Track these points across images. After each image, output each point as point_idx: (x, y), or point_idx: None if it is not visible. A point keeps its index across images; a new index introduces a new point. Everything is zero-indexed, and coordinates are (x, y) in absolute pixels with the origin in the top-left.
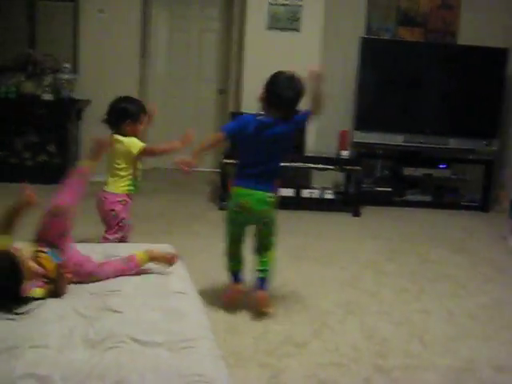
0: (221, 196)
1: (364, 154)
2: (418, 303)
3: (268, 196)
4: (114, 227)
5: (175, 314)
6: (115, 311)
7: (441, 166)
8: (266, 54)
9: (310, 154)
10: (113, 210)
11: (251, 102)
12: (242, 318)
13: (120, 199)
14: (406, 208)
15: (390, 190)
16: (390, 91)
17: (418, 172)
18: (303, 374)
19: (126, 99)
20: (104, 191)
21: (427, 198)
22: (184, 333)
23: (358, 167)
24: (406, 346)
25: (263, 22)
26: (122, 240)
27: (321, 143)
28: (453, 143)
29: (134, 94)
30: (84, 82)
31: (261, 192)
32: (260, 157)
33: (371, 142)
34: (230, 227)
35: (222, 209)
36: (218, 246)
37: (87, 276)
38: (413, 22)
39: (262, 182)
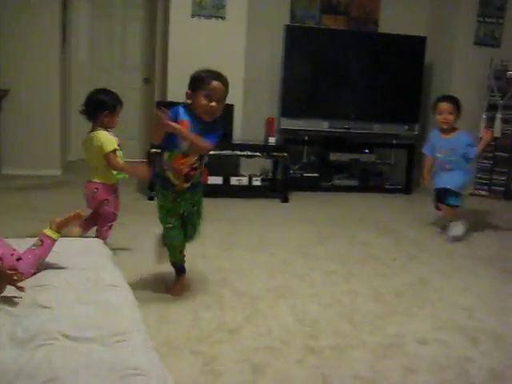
0: (149, 186)
1: (291, 140)
2: (347, 284)
3: None
4: (110, 215)
5: (107, 307)
6: (45, 307)
7: (366, 151)
8: (192, 42)
9: (237, 142)
10: (106, 200)
11: (177, 91)
12: (174, 308)
13: (111, 188)
14: (333, 193)
15: (317, 175)
16: (315, 78)
17: (345, 157)
18: (236, 359)
19: (103, 91)
20: (93, 182)
21: (353, 183)
22: (116, 326)
23: (285, 154)
24: (336, 326)
25: (188, 9)
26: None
27: (248, 131)
28: (377, 128)
29: (56, 83)
30: (1, 71)
31: None
32: None
33: (298, 128)
34: None
35: (150, 199)
36: (147, 237)
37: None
38: (336, 10)
39: None
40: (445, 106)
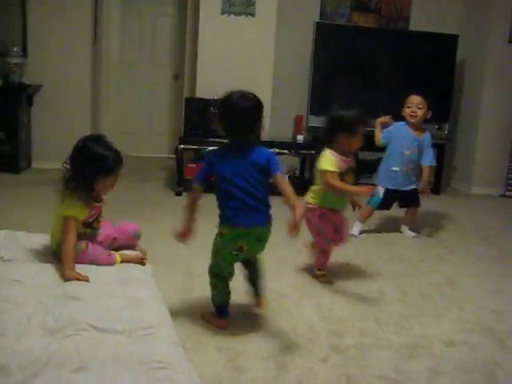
0: (177, 181)
1: (319, 138)
2: (373, 284)
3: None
4: (318, 241)
5: (134, 301)
6: (75, 298)
7: None
8: (221, 39)
9: (265, 139)
10: (307, 219)
11: (206, 87)
12: (199, 303)
13: (309, 209)
14: None
15: None
16: (344, 76)
17: (373, 156)
18: (261, 355)
19: (346, 108)
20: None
21: None
22: (143, 320)
23: (313, 151)
24: (362, 325)
25: (218, 6)
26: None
27: (276, 128)
28: None
29: (87, 80)
30: (34, 67)
31: None
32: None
33: None
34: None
35: (178, 194)
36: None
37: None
38: (366, 8)
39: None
40: (416, 98)
